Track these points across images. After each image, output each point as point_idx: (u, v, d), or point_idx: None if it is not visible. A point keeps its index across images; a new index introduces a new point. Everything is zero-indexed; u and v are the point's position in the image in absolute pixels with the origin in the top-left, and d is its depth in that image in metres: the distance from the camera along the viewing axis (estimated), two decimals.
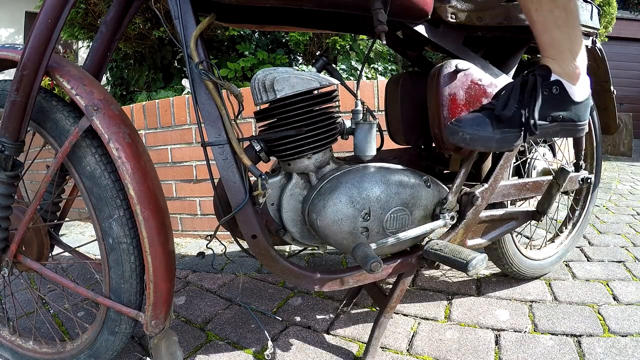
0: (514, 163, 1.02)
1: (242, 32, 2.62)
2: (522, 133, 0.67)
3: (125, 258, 0.69)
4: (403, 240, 0.73)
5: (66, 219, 0.91)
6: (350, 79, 2.30)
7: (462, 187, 0.83)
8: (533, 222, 1.00)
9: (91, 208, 0.68)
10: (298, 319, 1.00)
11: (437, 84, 0.75)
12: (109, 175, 0.67)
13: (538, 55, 1.03)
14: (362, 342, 0.89)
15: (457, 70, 0.75)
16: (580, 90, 0.68)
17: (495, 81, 0.79)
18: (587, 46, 0.98)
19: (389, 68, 2.51)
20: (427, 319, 0.97)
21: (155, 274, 0.67)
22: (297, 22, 0.84)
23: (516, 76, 0.89)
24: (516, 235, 1.07)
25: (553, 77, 0.66)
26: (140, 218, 0.65)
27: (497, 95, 0.73)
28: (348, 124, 0.77)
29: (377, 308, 1.01)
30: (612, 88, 1.09)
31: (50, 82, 2.67)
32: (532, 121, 0.65)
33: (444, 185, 0.80)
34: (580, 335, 0.86)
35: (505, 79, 0.80)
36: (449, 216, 0.77)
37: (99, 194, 0.67)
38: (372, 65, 2.46)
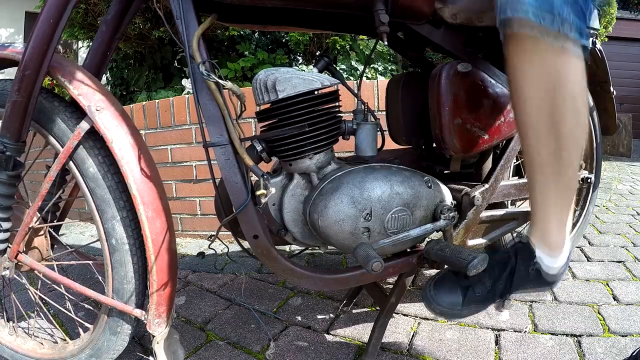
0: (515, 163, 1.02)
1: (242, 32, 2.62)
2: (490, 306, 0.70)
3: (128, 258, 0.69)
4: (404, 240, 0.73)
5: (66, 219, 0.91)
6: (351, 79, 2.31)
7: (462, 187, 0.83)
8: None
9: (94, 209, 0.68)
10: (298, 319, 1.00)
11: (438, 84, 0.75)
12: (112, 177, 0.68)
13: None
14: (362, 342, 0.89)
15: (458, 71, 0.75)
16: (558, 262, 0.68)
17: (496, 82, 0.79)
18: (586, 47, 0.98)
19: (389, 68, 2.51)
20: (427, 319, 0.97)
21: (158, 273, 0.67)
22: (298, 22, 0.84)
23: None
24: (516, 236, 1.07)
25: (535, 259, 0.67)
26: (143, 218, 0.65)
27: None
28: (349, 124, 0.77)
29: (378, 308, 1.01)
30: (611, 89, 1.10)
31: (50, 82, 2.67)
32: (504, 300, 0.69)
33: (445, 186, 0.80)
34: (580, 335, 0.86)
35: (506, 80, 0.80)
36: (450, 216, 0.77)
37: (102, 195, 0.67)
38: (372, 66, 2.46)
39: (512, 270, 0.67)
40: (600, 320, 0.92)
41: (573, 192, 0.65)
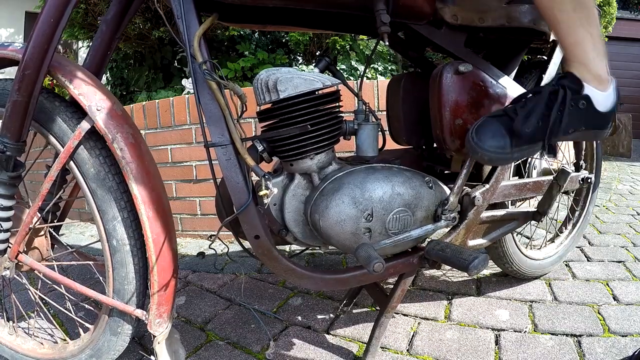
0: (515, 163, 1.02)
1: (242, 32, 2.62)
2: (541, 149, 0.66)
3: (129, 259, 0.69)
4: (405, 241, 0.73)
5: (67, 219, 0.91)
6: (351, 79, 2.31)
7: (464, 187, 0.83)
8: (533, 222, 1.00)
9: (95, 210, 0.68)
10: (298, 319, 1.00)
11: (439, 85, 0.75)
12: (113, 177, 0.67)
13: (539, 56, 1.03)
14: (362, 342, 0.89)
15: (458, 72, 0.75)
16: (608, 99, 0.67)
17: (497, 82, 0.79)
18: None
19: (389, 68, 2.51)
20: (427, 319, 0.97)
21: (159, 273, 0.67)
22: (298, 22, 0.84)
23: (518, 76, 0.89)
24: (516, 235, 1.07)
25: (584, 91, 0.64)
26: (144, 218, 0.65)
27: (519, 100, 0.70)
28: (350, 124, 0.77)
29: (378, 308, 1.01)
30: None
31: (50, 82, 2.66)
32: (553, 139, 0.64)
33: (445, 186, 0.80)
34: (580, 335, 0.86)
35: (507, 80, 0.80)
36: (451, 217, 0.77)
37: (103, 195, 0.67)
38: (372, 66, 2.46)
39: (562, 100, 0.63)
40: (600, 320, 0.92)
41: (596, 18, 0.65)
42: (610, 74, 0.68)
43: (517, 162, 1.03)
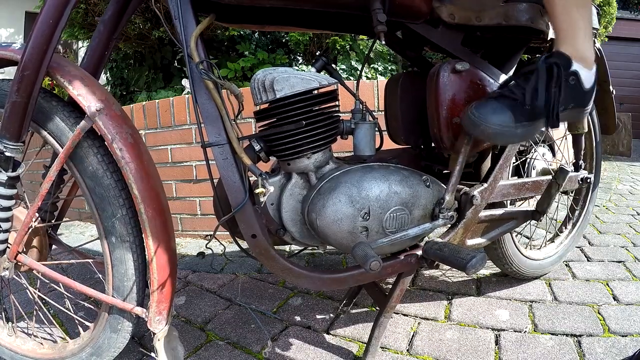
0: (514, 163, 1.02)
1: (242, 32, 2.63)
2: (545, 125, 0.68)
3: (128, 256, 0.69)
4: (402, 239, 0.73)
5: (66, 218, 0.91)
6: (351, 79, 2.31)
7: (462, 186, 0.83)
8: (533, 221, 1.00)
9: (94, 207, 0.68)
10: (298, 319, 1.00)
11: (436, 84, 0.75)
12: (111, 175, 0.68)
13: (537, 55, 1.03)
14: (362, 342, 0.89)
15: (456, 71, 0.75)
16: (591, 76, 0.71)
17: (494, 81, 0.79)
18: None
19: (389, 68, 2.51)
20: (427, 319, 0.97)
21: (158, 271, 0.67)
22: (297, 22, 0.84)
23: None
24: (516, 235, 1.07)
25: (572, 67, 0.67)
26: (144, 217, 0.66)
27: (509, 81, 0.72)
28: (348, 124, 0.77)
29: (377, 308, 1.01)
30: (611, 88, 1.09)
31: (50, 82, 2.67)
32: (555, 113, 0.66)
33: (443, 185, 0.80)
34: (580, 335, 0.86)
35: (505, 79, 0.80)
36: (448, 215, 0.77)
37: (101, 193, 0.68)
38: (372, 65, 2.46)
39: (557, 75, 0.66)
40: (600, 320, 0.92)
41: (590, 3, 0.70)
42: (594, 58, 0.72)
43: (516, 163, 1.03)
